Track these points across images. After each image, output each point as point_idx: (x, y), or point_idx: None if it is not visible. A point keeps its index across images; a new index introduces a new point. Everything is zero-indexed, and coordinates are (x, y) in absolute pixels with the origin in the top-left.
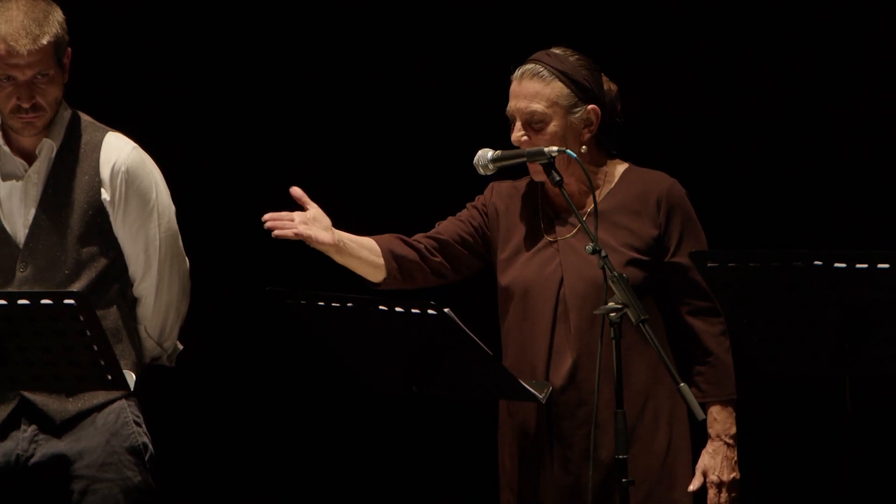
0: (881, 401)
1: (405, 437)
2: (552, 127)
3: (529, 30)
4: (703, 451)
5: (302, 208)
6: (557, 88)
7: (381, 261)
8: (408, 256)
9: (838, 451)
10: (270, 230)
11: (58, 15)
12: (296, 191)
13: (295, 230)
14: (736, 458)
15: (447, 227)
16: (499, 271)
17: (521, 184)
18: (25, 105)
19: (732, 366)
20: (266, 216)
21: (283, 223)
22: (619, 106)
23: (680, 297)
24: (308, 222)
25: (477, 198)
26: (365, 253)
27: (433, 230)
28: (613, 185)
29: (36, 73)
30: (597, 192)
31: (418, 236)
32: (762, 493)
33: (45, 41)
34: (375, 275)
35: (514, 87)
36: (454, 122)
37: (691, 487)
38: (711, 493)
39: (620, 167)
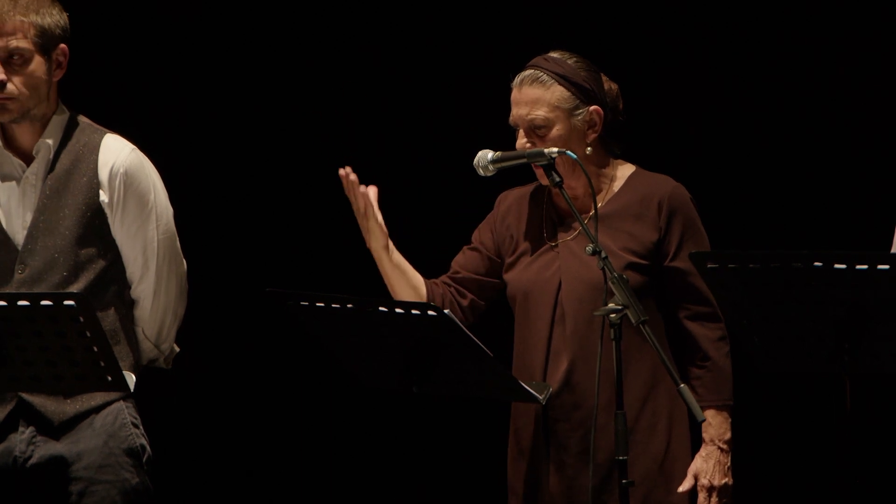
0: (881, 400)
1: (406, 438)
2: (555, 131)
3: (531, 29)
4: (697, 455)
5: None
6: (558, 92)
7: (423, 292)
8: (446, 297)
9: (838, 451)
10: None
11: (57, 9)
12: (371, 191)
13: (362, 190)
14: (729, 463)
15: (465, 263)
16: (504, 276)
17: (529, 190)
18: None
19: (730, 371)
20: (344, 171)
21: (355, 182)
22: (621, 104)
23: (679, 301)
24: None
25: (488, 215)
26: (411, 272)
27: (452, 271)
28: (618, 188)
29: (10, 46)
30: (601, 195)
31: (442, 280)
32: (762, 493)
33: (26, 16)
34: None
35: (514, 94)
36: (455, 124)
37: (681, 488)
38: (702, 496)
39: (627, 170)
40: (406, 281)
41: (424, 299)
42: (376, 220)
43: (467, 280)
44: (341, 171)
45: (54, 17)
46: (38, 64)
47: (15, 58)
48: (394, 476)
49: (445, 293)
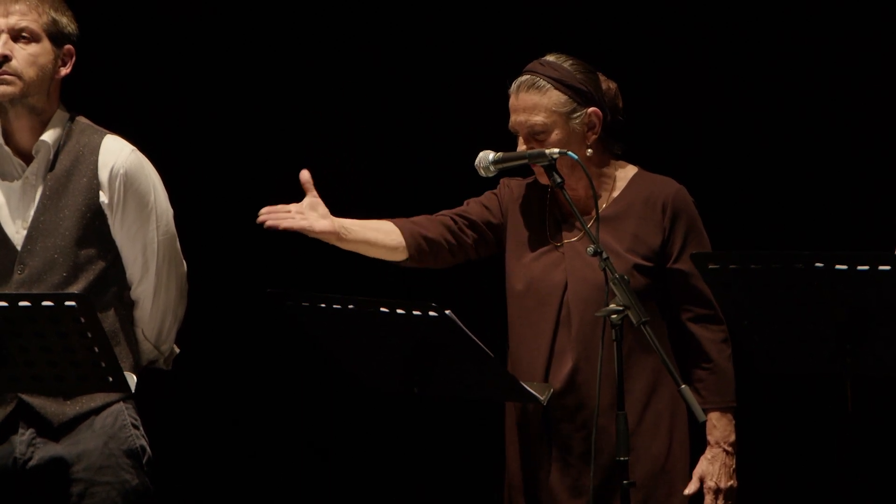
0: (881, 401)
1: (406, 438)
2: (554, 136)
3: (531, 28)
4: (702, 457)
5: (301, 197)
6: (554, 97)
7: (400, 242)
8: (435, 239)
9: (839, 452)
10: (264, 224)
11: (71, 14)
12: (305, 174)
13: (286, 224)
14: (734, 466)
15: (476, 209)
16: (506, 269)
17: (531, 184)
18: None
19: (733, 374)
20: (262, 211)
21: (277, 215)
22: (620, 103)
23: (682, 303)
24: (304, 211)
25: (493, 191)
26: (372, 234)
27: (463, 208)
28: (621, 190)
29: (21, 24)
30: (604, 196)
31: (448, 212)
32: (763, 493)
33: (42, 3)
34: (393, 255)
35: (512, 101)
36: (456, 124)
37: (687, 491)
38: (708, 499)
39: (629, 171)
40: (375, 249)
41: (405, 252)
42: (314, 230)
43: (476, 224)
44: (265, 223)
45: (68, 17)
46: (45, 49)
47: (23, 37)
48: (393, 476)
49: (434, 235)
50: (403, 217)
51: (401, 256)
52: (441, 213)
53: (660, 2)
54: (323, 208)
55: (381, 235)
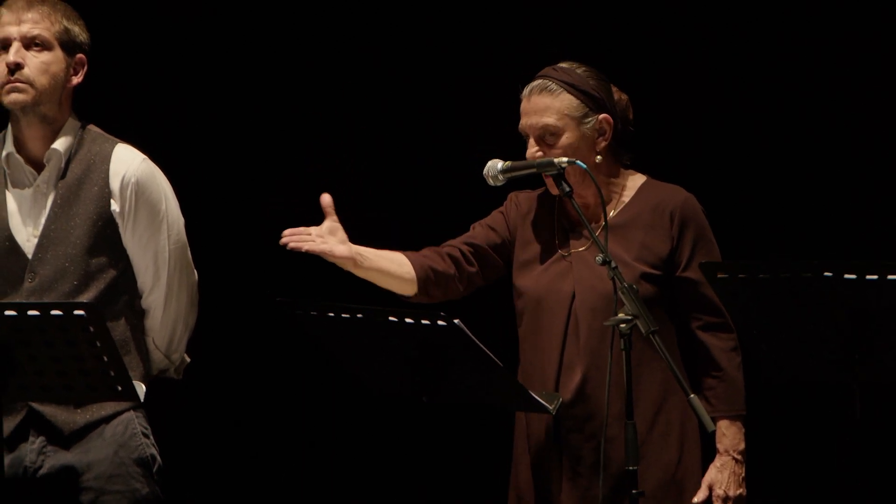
0: (890, 409)
1: (413, 445)
2: (565, 139)
3: (542, 37)
4: (711, 465)
5: (321, 220)
6: (567, 100)
7: (411, 274)
8: (444, 271)
9: (847, 459)
10: (287, 246)
11: (83, 24)
12: (326, 198)
13: (308, 246)
14: (743, 474)
15: (481, 234)
16: (514, 281)
17: (539, 195)
18: (11, 59)
19: (742, 382)
20: (285, 233)
21: (300, 238)
22: (630, 114)
23: (691, 312)
24: (324, 235)
25: (500, 208)
26: (386, 264)
27: (468, 234)
28: (630, 198)
29: (33, 33)
30: (612, 205)
31: (454, 242)
32: (772, 501)
33: (54, 12)
34: (404, 288)
35: (523, 104)
36: (457, 126)
37: (696, 499)
38: None
39: (638, 180)
40: (388, 279)
41: (415, 286)
42: (333, 255)
43: (481, 250)
44: (288, 245)
45: (80, 27)
46: (57, 58)
47: (36, 45)
48: (398, 481)
49: (444, 268)
50: (394, 237)
51: (411, 290)
52: (447, 243)
53: (669, 14)
54: (342, 233)
55: (394, 266)
